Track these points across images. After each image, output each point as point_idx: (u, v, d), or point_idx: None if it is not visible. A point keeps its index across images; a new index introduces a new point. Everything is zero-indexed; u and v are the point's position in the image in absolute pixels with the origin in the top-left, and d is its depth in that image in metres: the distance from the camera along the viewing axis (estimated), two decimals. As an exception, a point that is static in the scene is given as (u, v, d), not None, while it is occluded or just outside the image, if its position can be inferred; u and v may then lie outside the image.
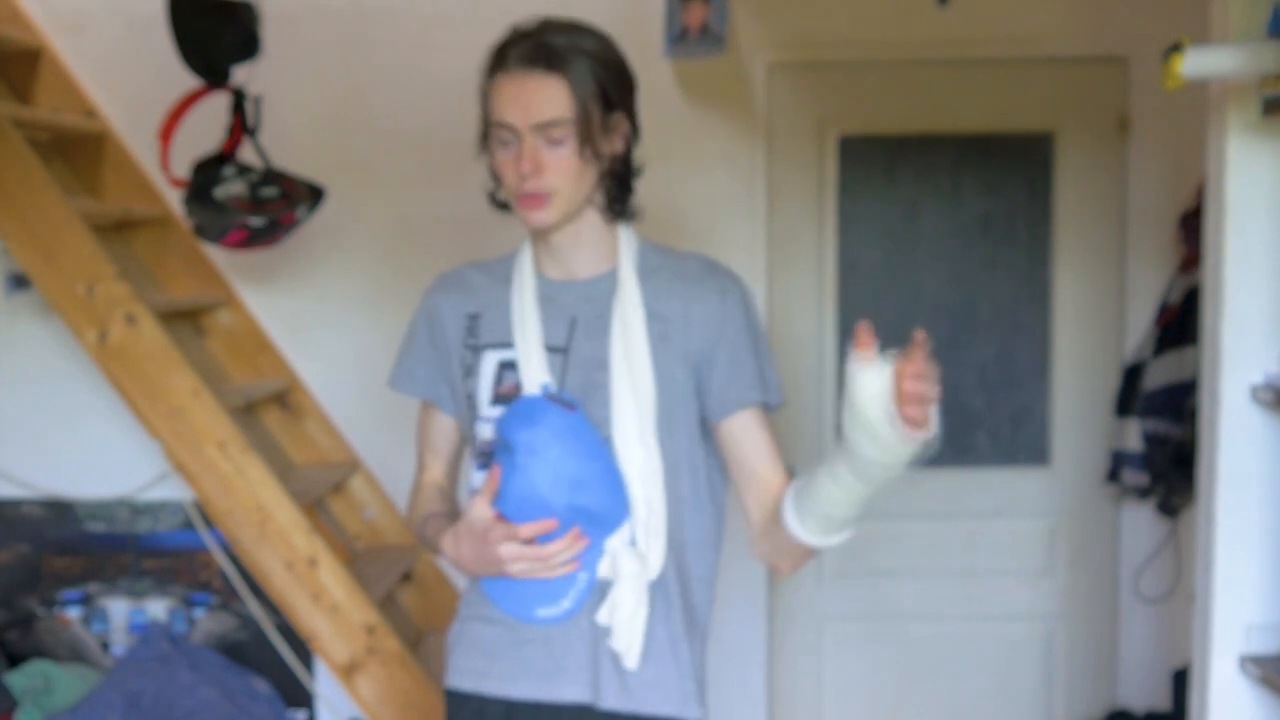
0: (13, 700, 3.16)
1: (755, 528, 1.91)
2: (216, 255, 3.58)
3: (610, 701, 1.85)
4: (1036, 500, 3.72)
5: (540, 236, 1.89)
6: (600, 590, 1.83)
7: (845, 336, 3.66)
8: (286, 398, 3.60)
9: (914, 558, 3.72)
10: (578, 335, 1.86)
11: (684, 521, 1.87)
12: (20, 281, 3.36)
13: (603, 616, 1.82)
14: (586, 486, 1.78)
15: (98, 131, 3.51)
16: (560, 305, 1.88)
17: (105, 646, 3.50)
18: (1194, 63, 2.19)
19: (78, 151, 3.52)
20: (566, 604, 1.82)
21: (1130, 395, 3.55)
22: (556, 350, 1.86)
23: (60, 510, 3.47)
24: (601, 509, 1.79)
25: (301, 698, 3.42)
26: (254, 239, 3.17)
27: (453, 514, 1.98)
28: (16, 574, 3.49)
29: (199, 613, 3.48)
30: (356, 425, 3.63)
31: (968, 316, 3.67)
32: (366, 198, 3.56)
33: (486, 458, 1.88)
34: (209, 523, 3.28)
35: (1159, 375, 3.44)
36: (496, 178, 1.88)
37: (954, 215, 3.67)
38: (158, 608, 3.49)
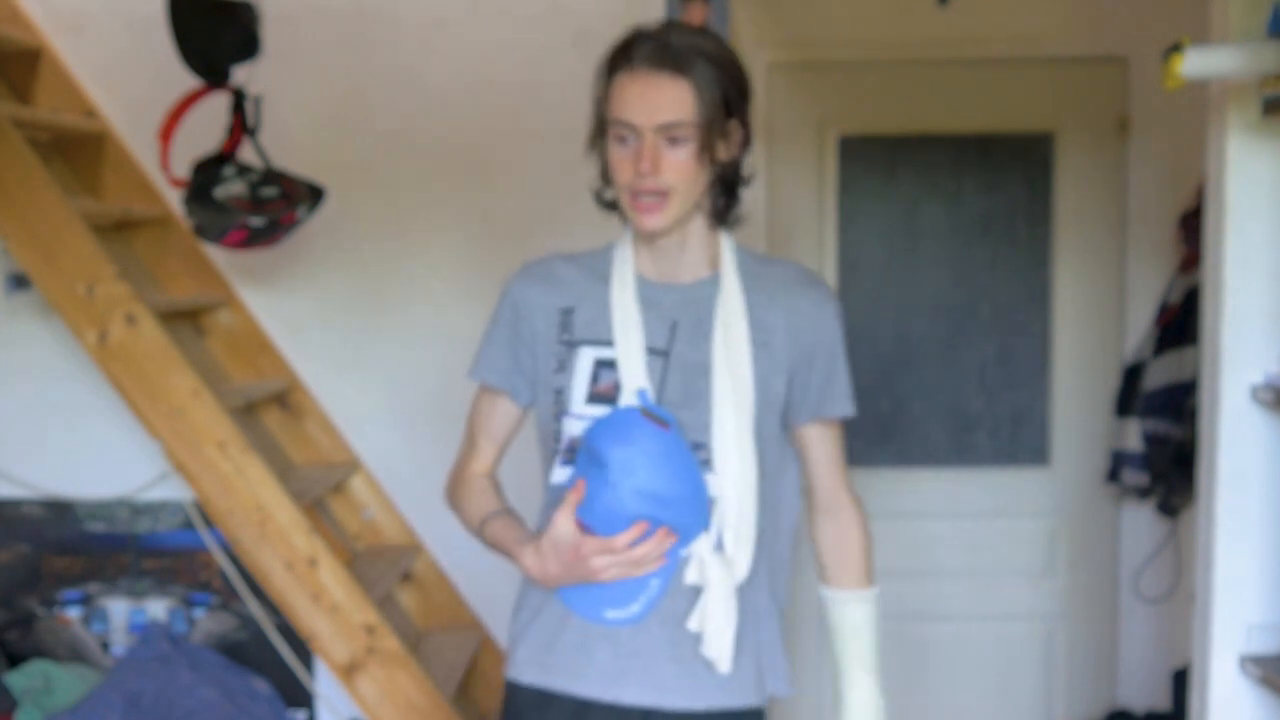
0: (13, 700, 3.16)
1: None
2: (216, 255, 3.57)
3: (682, 702, 1.86)
4: (1036, 500, 3.72)
5: (646, 238, 1.89)
6: (680, 595, 1.83)
7: (844, 336, 3.64)
8: (286, 398, 3.60)
9: (914, 558, 3.71)
10: (679, 339, 1.87)
11: (777, 521, 1.91)
12: (20, 281, 3.36)
13: (694, 624, 1.82)
14: (669, 505, 1.77)
15: (98, 131, 3.51)
16: (661, 308, 1.88)
17: (105, 646, 3.50)
18: (1194, 63, 2.19)
19: (78, 151, 3.52)
20: (635, 609, 1.83)
21: (1130, 395, 3.55)
22: (657, 353, 1.86)
23: (60, 510, 3.47)
24: (678, 525, 1.79)
25: (301, 698, 3.42)
26: (254, 239, 3.17)
27: (513, 512, 1.95)
28: (16, 574, 3.48)
29: (199, 613, 3.48)
30: (356, 425, 3.63)
31: (968, 316, 3.67)
32: (366, 198, 3.56)
33: (573, 455, 1.87)
34: (209, 523, 3.28)
35: (1159, 375, 3.44)
36: (605, 176, 1.88)
37: (954, 215, 3.67)
38: (158, 608, 3.48)
